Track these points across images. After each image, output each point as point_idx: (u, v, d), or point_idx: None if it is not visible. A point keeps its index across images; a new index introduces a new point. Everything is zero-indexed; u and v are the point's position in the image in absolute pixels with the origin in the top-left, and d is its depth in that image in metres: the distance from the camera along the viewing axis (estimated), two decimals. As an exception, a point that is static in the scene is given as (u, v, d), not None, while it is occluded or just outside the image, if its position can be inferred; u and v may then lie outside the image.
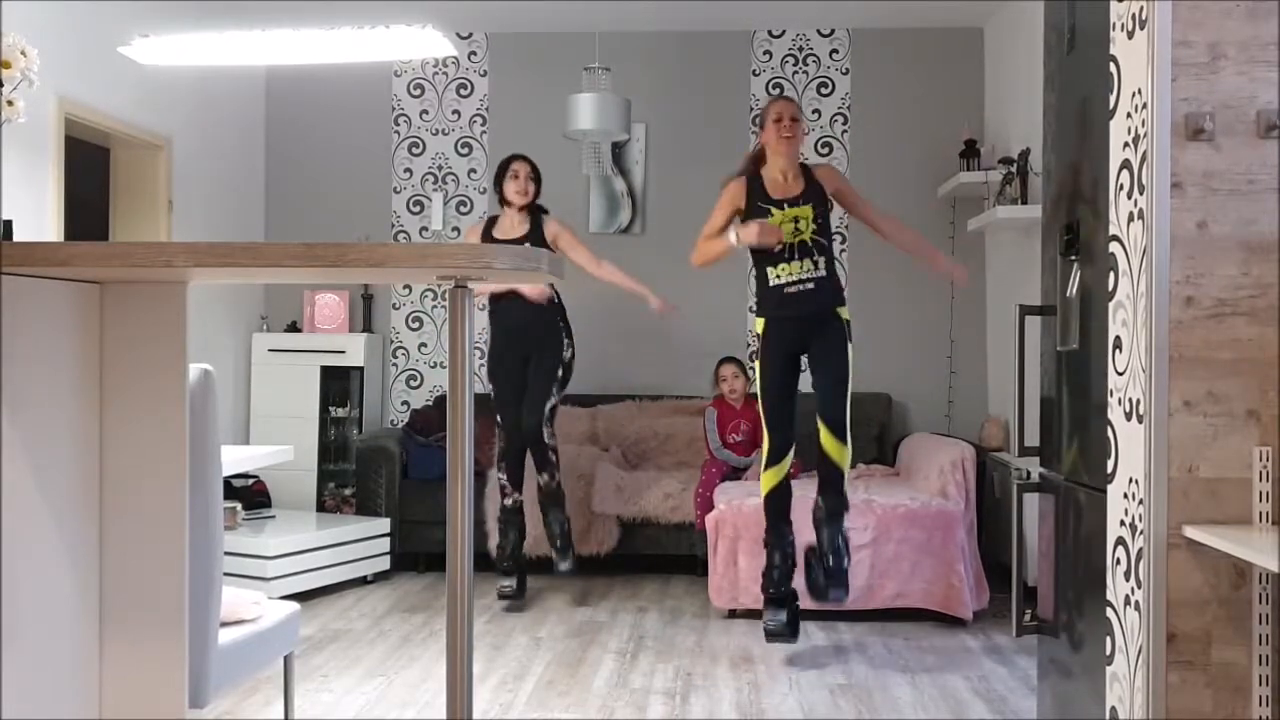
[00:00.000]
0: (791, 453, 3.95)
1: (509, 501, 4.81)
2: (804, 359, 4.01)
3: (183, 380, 1.98)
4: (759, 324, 3.98)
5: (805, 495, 4.04)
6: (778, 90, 6.14)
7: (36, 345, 1.82)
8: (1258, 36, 2.02)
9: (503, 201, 4.81)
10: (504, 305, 4.77)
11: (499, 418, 4.82)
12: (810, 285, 3.87)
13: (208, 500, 2.14)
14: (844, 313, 3.95)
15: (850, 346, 3.93)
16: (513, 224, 4.79)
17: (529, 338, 4.73)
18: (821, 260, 3.89)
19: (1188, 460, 2.01)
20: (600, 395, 5.99)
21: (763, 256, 3.93)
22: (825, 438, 3.85)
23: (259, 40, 4.17)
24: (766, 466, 3.95)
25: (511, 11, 5.86)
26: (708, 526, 4.69)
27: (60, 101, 4.44)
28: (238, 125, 6.08)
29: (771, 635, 3.91)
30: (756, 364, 4.02)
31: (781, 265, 3.88)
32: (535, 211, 4.81)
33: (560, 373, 4.76)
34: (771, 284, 3.91)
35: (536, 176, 4.81)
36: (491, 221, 4.87)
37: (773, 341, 3.94)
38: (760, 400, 3.97)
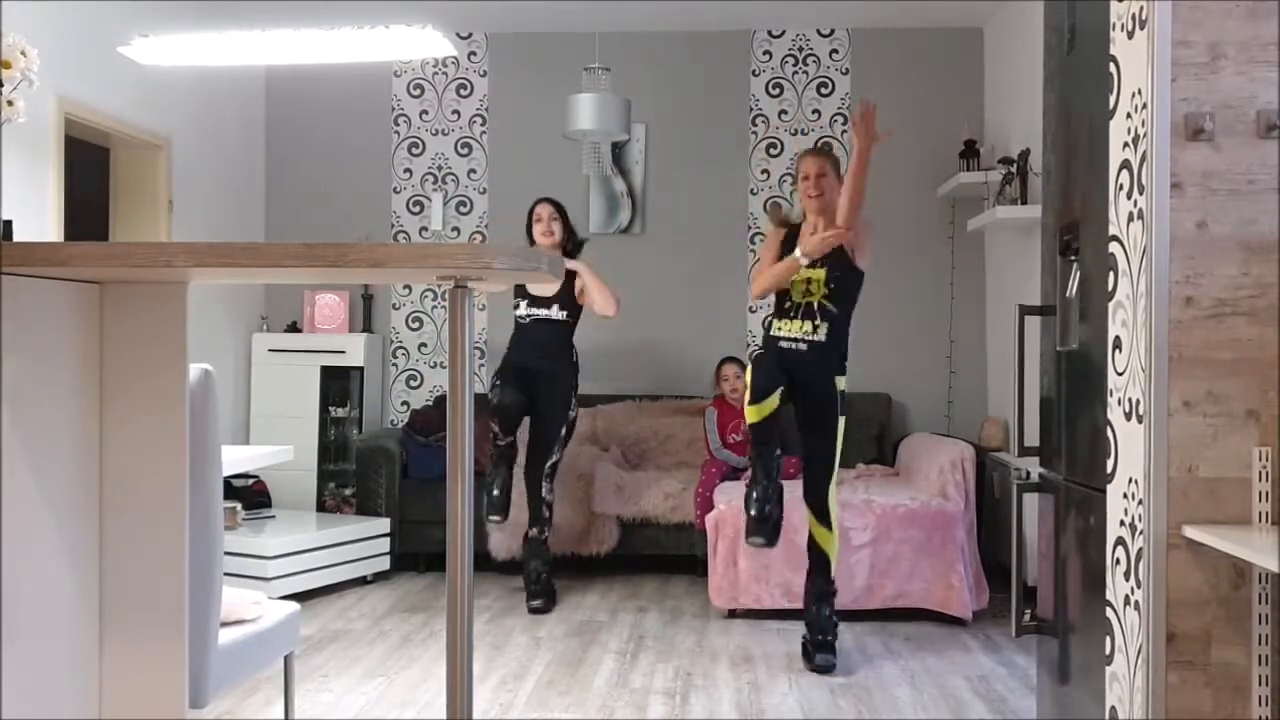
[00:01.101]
0: (777, 396, 3.79)
1: (502, 443, 4.78)
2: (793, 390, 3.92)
3: (183, 380, 1.98)
4: (748, 374, 3.93)
5: (796, 496, 4.03)
6: (777, 90, 6.14)
7: (36, 345, 1.82)
8: (1258, 36, 2.02)
9: (533, 244, 4.87)
10: (524, 344, 4.85)
11: (495, 417, 4.82)
12: (803, 345, 3.86)
13: (208, 500, 2.14)
14: (840, 382, 3.89)
15: (840, 419, 3.87)
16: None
17: (539, 385, 4.79)
18: (824, 326, 3.85)
19: (1187, 460, 2.01)
20: (600, 395, 5.99)
21: (775, 307, 3.97)
22: (811, 523, 3.93)
23: (259, 40, 4.17)
24: (750, 403, 3.81)
25: (511, 11, 5.86)
26: (708, 526, 4.69)
27: (60, 101, 4.44)
28: (238, 125, 6.08)
29: (755, 546, 3.91)
30: (737, 366, 4.02)
31: (784, 320, 3.91)
32: (572, 250, 4.94)
33: (564, 432, 4.84)
34: (771, 333, 3.96)
35: (562, 216, 4.91)
36: None
37: (770, 360, 3.89)
38: (749, 374, 3.89)
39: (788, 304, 3.90)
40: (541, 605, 4.69)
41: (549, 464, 4.80)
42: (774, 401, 3.81)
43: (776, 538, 3.95)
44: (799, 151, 4.15)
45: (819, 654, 3.88)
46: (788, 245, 3.95)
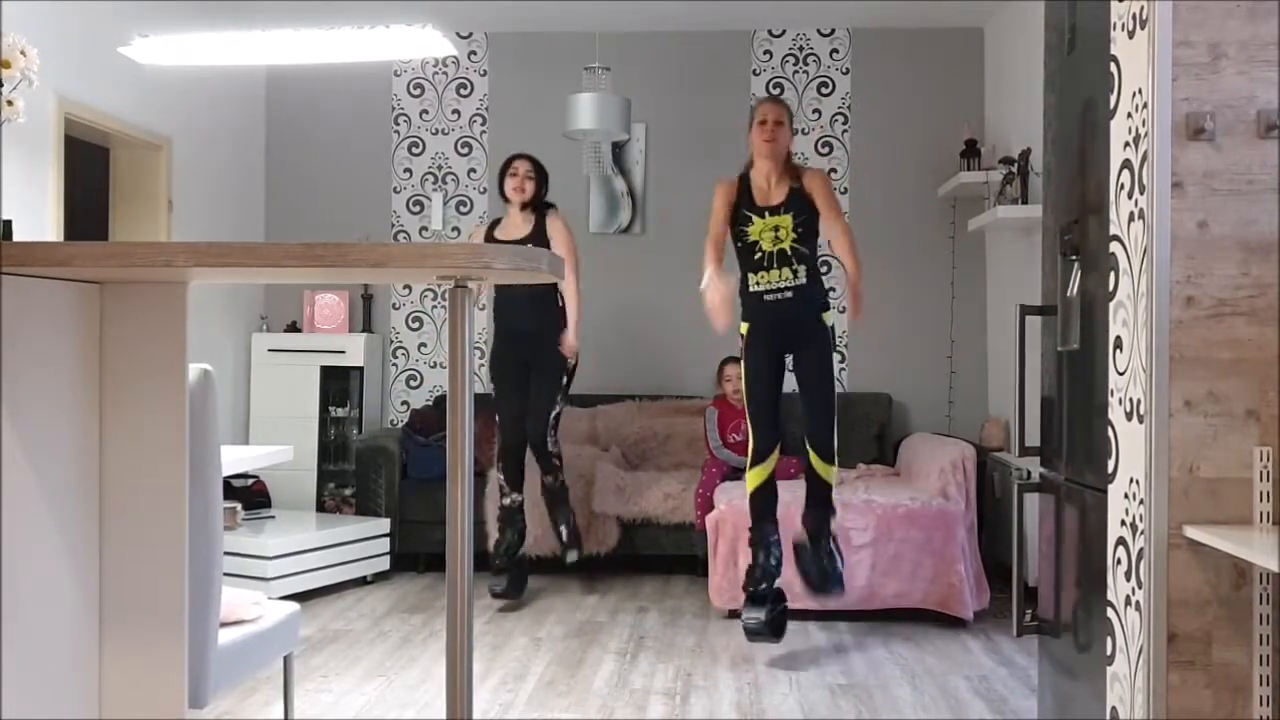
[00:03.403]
0: (776, 452, 3.98)
1: (507, 501, 4.82)
2: (789, 359, 4.04)
3: (183, 380, 1.98)
4: (743, 327, 4.01)
5: (797, 496, 4.04)
6: (778, 90, 6.14)
7: (36, 345, 1.82)
8: (1258, 36, 2.02)
9: (505, 200, 4.81)
10: (506, 309, 4.78)
11: (498, 417, 4.83)
12: (789, 294, 3.89)
13: (208, 500, 2.14)
14: (828, 318, 3.97)
15: (833, 353, 3.97)
16: (515, 224, 4.78)
17: (531, 343, 4.74)
18: (802, 269, 3.90)
19: (1188, 460, 2.00)
20: (600, 395, 5.99)
21: (745, 262, 3.97)
22: (813, 459, 3.94)
23: (259, 40, 4.17)
24: (751, 465, 3.99)
25: (511, 11, 5.86)
26: (708, 526, 4.69)
27: (60, 101, 4.44)
28: (238, 125, 6.08)
29: (751, 634, 3.88)
30: (741, 366, 4.06)
31: (761, 273, 3.92)
32: (541, 209, 4.79)
33: (564, 380, 4.79)
34: (751, 289, 3.96)
35: (538, 175, 4.80)
36: (495, 223, 4.88)
37: (755, 345, 3.99)
38: (745, 402, 4.03)
39: (758, 255, 3.91)
40: (576, 559, 4.76)
41: (553, 415, 4.75)
42: (772, 462, 3.94)
43: (780, 632, 3.96)
44: (757, 99, 4.16)
45: (833, 587, 3.92)
46: (742, 185, 3.97)
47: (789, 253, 3.89)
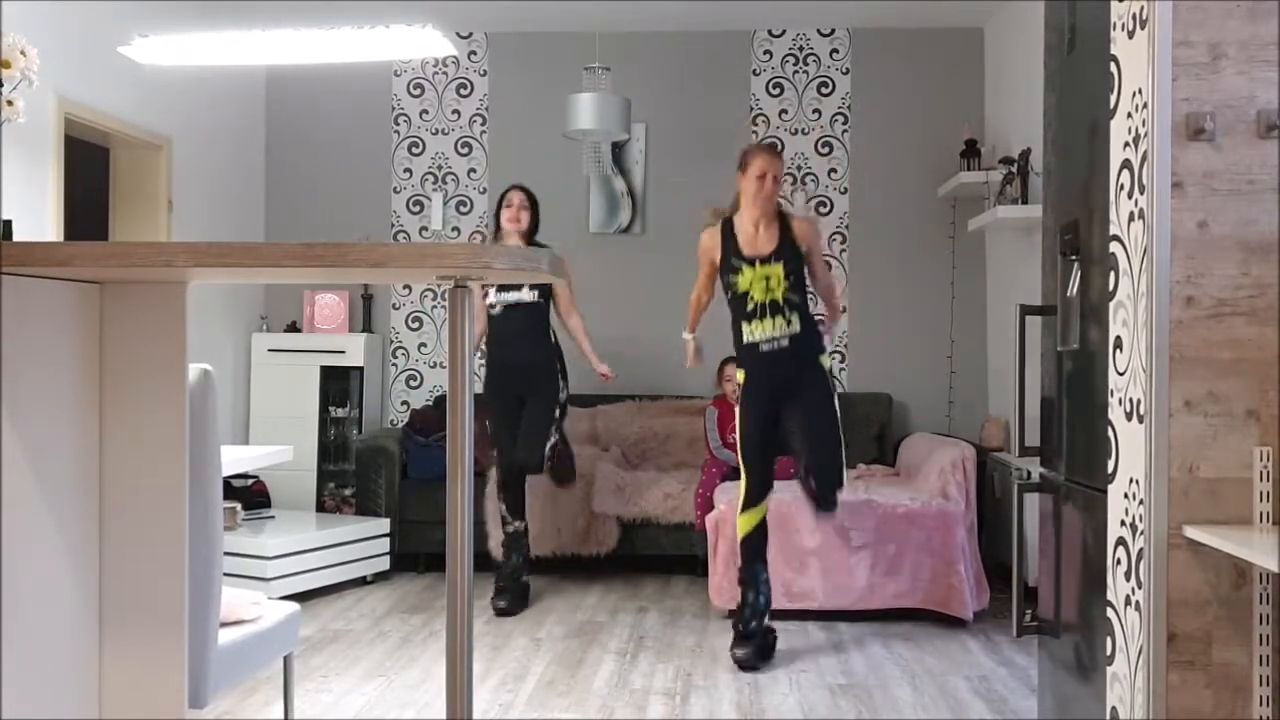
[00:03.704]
0: (769, 498, 3.98)
1: (510, 529, 4.83)
2: (787, 403, 3.96)
3: (183, 380, 1.98)
4: (739, 375, 4.01)
5: (797, 496, 4.03)
6: (778, 90, 6.14)
7: (36, 345, 1.82)
8: (1258, 36, 2.02)
9: (498, 231, 4.87)
10: (500, 343, 4.82)
11: (495, 451, 4.85)
12: (785, 343, 3.87)
13: (207, 500, 2.14)
14: (825, 361, 3.95)
15: (834, 396, 3.93)
16: None
17: (524, 378, 4.79)
18: (795, 317, 3.87)
19: (1188, 460, 2.01)
20: (600, 395, 5.98)
21: (738, 312, 3.94)
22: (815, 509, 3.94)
23: (259, 40, 4.17)
24: (743, 509, 3.97)
25: (511, 11, 5.86)
26: (708, 526, 4.69)
27: (60, 101, 4.44)
28: (238, 125, 6.08)
29: (741, 667, 3.86)
30: (738, 409, 4.03)
31: (755, 323, 3.89)
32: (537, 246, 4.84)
33: (557, 414, 4.82)
34: (746, 341, 3.93)
35: (532, 205, 4.84)
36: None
37: (752, 394, 3.97)
38: (739, 444, 4.01)
39: (751, 306, 3.88)
40: (509, 604, 4.68)
41: (549, 446, 4.78)
42: (764, 508, 3.95)
43: (769, 657, 3.94)
44: (750, 145, 4.11)
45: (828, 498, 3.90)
46: (726, 233, 3.94)
47: (781, 302, 3.85)
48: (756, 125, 6.15)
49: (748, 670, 3.86)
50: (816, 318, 3.99)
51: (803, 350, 3.89)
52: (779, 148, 3.77)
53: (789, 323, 3.85)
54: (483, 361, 5.18)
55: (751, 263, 3.86)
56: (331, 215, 6.26)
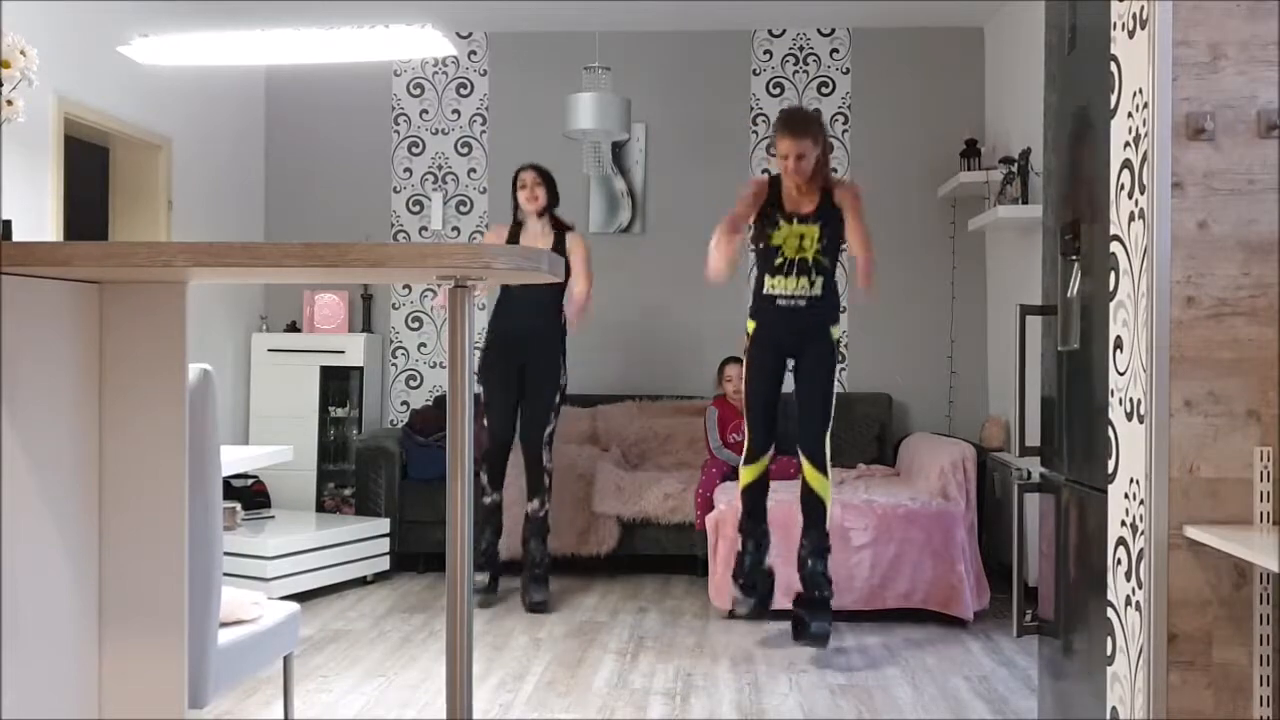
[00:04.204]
0: (771, 451, 4.05)
1: (487, 500, 4.83)
2: (791, 362, 4.08)
3: (182, 380, 1.98)
4: (749, 325, 4.05)
5: (797, 497, 4.04)
6: (778, 90, 6.13)
7: (36, 345, 1.82)
8: (1258, 36, 2.02)
9: (516, 212, 4.86)
10: (506, 310, 4.79)
11: (487, 420, 4.83)
12: (802, 302, 3.92)
13: (207, 500, 2.14)
14: (835, 330, 4.01)
15: (835, 363, 3.99)
16: (535, 235, 4.81)
17: (528, 349, 4.75)
18: (819, 280, 3.92)
19: (1188, 460, 2.00)
20: (600, 395, 5.99)
21: (764, 264, 3.98)
22: (807, 469, 3.94)
23: (259, 40, 4.16)
24: (746, 462, 4.06)
25: (511, 11, 5.86)
26: (708, 526, 4.69)
27: (60, 101, 4.44)
28: (238, 125, 6.08)
29: (745, 616, 4.06)
30: (743, 363, 4.08)
31: (779, 278, 3.93)
32: (561, 226, 4.84)
33: (558, 399, 4.81)
34: (765, 292, 3.97)
35: (546, 182, 4.82)
36: (517, 226, 4.87)
37: (759, 345, 4.02)
38: (744, 399, 4.08)
39: (779, 260, 3.92)
40: (543, 600, 4.67)
41: (547, 432, 4.76)
42: (765, 460, 4.02)
43: (769, 604, 4.09)
44: (780, 116, 4.01)
45: (815, 620, 3.88)
46: (774, 190, 3.96)
47: (810, 262, 3.90)
48: (756, 126, 6.15)
49: (749, 619, 3.99)
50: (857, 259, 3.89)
51: (817, 314, 3.94)
52: (814, 117, 3.67)
53: (812, 284, 3.91)
54: (483, 329, 5.15)
55: (790, 219, 3.91)
56: (331, 215, 6.26)
